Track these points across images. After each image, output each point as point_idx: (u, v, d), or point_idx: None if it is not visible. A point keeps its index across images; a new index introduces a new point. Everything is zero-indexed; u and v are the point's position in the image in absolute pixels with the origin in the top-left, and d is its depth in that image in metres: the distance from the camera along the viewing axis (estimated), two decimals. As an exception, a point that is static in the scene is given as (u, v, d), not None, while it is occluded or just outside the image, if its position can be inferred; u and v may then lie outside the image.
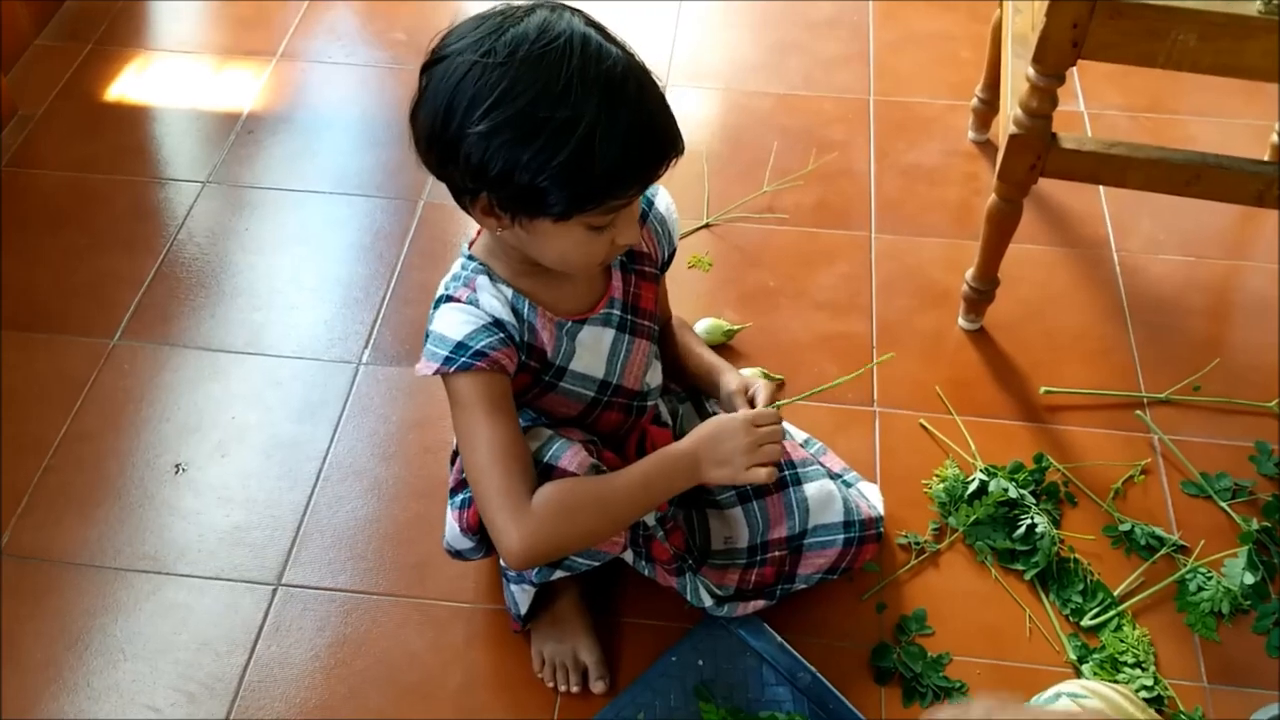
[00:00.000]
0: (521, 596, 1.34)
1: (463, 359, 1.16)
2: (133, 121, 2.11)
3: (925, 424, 1.63)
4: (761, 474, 1.21)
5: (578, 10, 1.11)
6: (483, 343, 1.17)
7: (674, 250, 1.34)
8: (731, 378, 1.34)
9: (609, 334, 1.28)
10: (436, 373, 1.17)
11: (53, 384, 1.67)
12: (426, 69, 1.11)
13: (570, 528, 1.18)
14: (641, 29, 2.29)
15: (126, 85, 2.17)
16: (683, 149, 1.12)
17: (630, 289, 1.29)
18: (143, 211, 1.94)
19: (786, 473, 1.39)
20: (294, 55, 2.24)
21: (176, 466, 1.58)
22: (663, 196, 1.32)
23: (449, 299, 1.20)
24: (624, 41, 1.11)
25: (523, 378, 1.24)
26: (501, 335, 1.18)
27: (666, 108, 1.11)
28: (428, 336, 1.20)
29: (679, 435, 1.44)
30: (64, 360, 1.71)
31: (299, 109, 2.14)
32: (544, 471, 1.20)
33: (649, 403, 1.36)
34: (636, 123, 1.07)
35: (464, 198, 1.13)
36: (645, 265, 1.31)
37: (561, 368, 1.26)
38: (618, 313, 1.28)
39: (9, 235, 1.89)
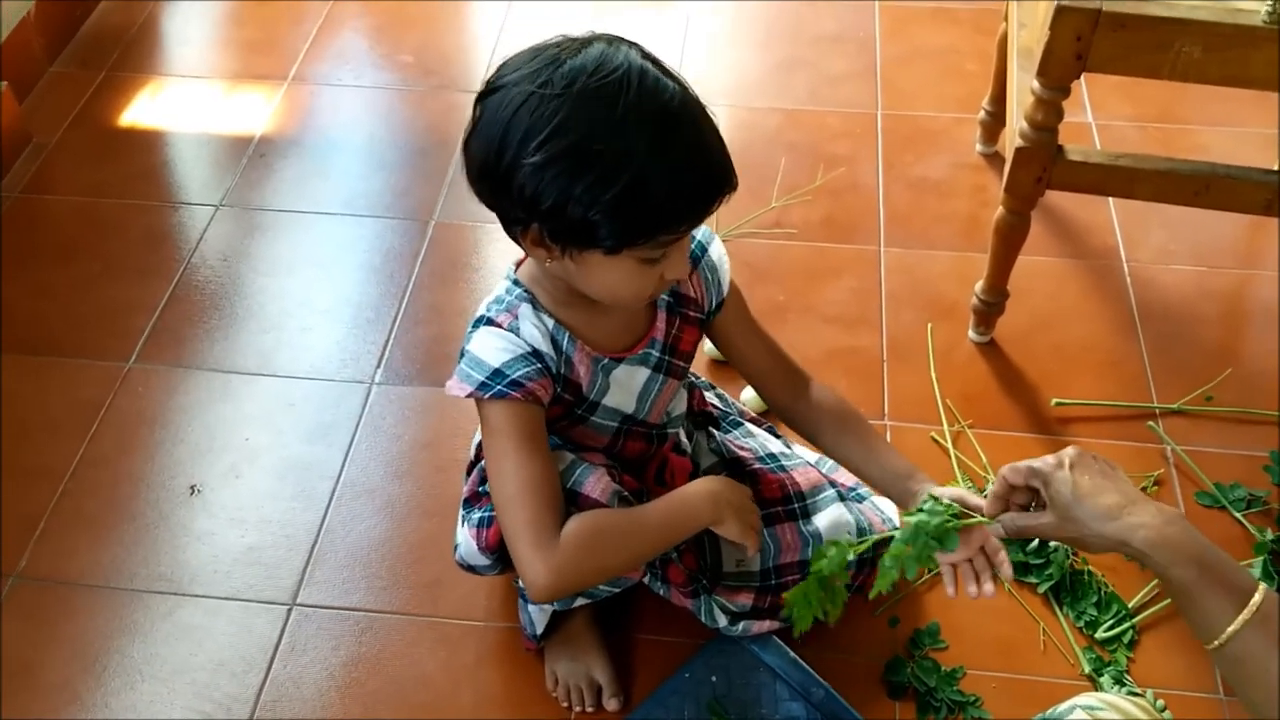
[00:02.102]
0: (539, 617, 1.35)
1: (498, 387, 1.15)
2: (146, 147, 2.13)
3: (936, 437, 1.63)
4: (750, 544, 1.23)
5: (634, 43, 1.10)
6: (519, 372, 1.16)
7: (722, 299, 1.30)
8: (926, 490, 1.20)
9: (644, 373, 1.27)
10: (470, 395, 1.17)
11: (68, 408, 1.69)
12: (481, 99, 1.10)
13: (596, 562, 1.18)
14: (648, 47, 2.30)
15: (140, 111, 2.19)
16: (736, 185, 1.10)
17: (673, 331, 1.28)
18: (157, 236, 1.96)
19: (795, 505, 1.39)
20: (304, 79, 2.26)
21: (191, 488, 1.59)
22: (716, 245, 1.30)
23: (490, 322, 1.19)
24: (680, 75, 1.09)
25: (555, 409, 1.24)
26: (539, 366, 1.17)
27: (721, 143, 1.09)
28: (463, 355, 1.19)
29: (694, 463, 1.44)
30: (79, 384, 1.72)
31: (310, 132, 2.16)
32: (568, 497, 1.20)
33: (670, 431, 1.36)
34: (690, 158, 1.06)
35: (514, 228, 1.12)
36: (690, 310, 1.29)
37: (595, 402, 1.26)
38: (656, 354, 1.27)
39: (25, 261, 1.91)
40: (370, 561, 1.51)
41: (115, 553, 1.52)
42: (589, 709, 1.35)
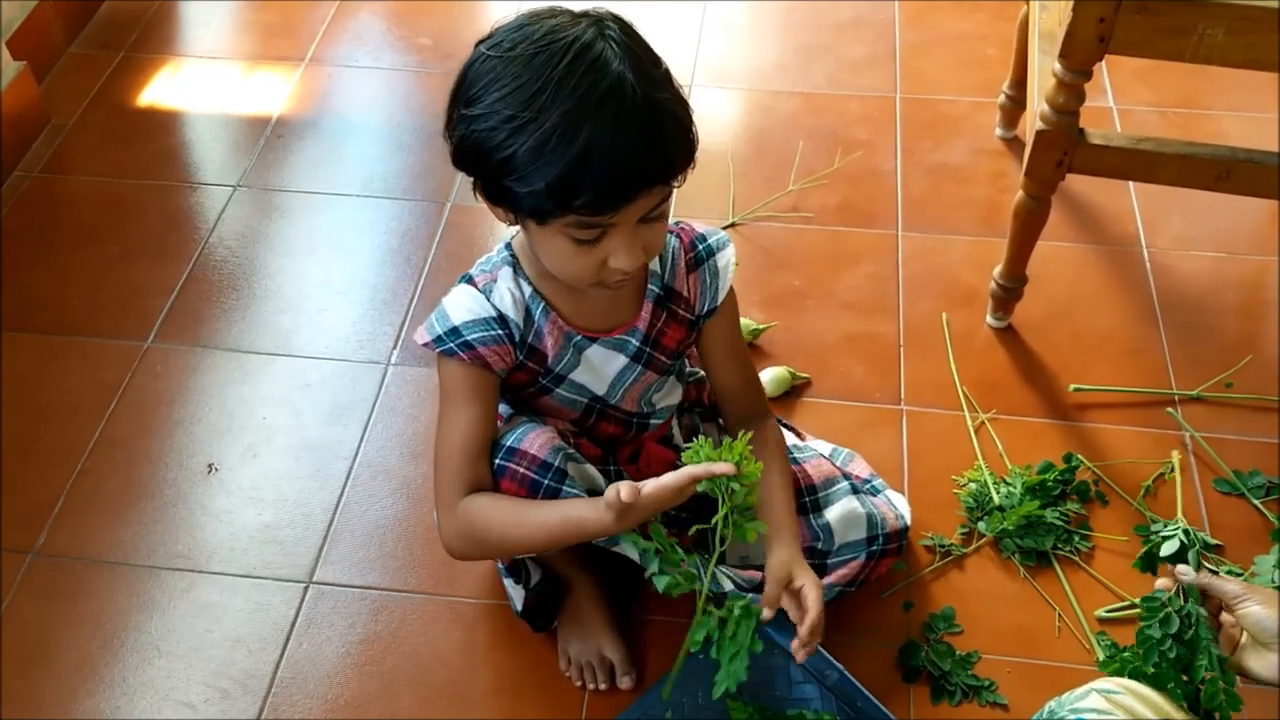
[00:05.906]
0: (515, 594, 1.36)
1: (450, 344, 1.19)
2: (164, 128, 2.14)
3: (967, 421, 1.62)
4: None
5: (614, 22, 1.07)
6: (474, 335, 1.19)
7: (715, 306, 1.29)
8: (778, 560, 1.21)
9: (620, 360, 1.27)
10: (425, 345, 1.21)
11: (86, 387, 1.70)
12: (476, 45, 1.12)
13: (484, 540, 1.21)
14: (667, 31, 2.30)
15: (157, 92, 2.20)
16: (664, 183, 1.06)
17: (657, 324, 1.27)
18: (174, 216, 1.97)
19: (807, 499, 1.38)
20: (321, 60, 2.26)
21: (209, 467, 1.60)
22: (726, 253, 1.28)
23: (470, 280, 1.23)
24: (652, 63, 1.06)
25: (520, 375, 1.25)
26: (499, 333, 1.19)
27: (655, 141, 1.04)
28: (437, 306, 1.23)
29: None
30: (97, 363, 1.73)
31: (327, 113, 2.16)
32: (507, 453, 1.20)
33: (652, 421, 1.35)
34: (600, 144, 1.01)
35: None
36: (679, 308, 1.28)
37: (560, 375, 1.26)
38: (636, 343, 1.26)
39: (43, 242, 1.92)
40: (386, 541, 1.51)
41: (133, 530, 1.53)
42: (602, 687, 1.35)
